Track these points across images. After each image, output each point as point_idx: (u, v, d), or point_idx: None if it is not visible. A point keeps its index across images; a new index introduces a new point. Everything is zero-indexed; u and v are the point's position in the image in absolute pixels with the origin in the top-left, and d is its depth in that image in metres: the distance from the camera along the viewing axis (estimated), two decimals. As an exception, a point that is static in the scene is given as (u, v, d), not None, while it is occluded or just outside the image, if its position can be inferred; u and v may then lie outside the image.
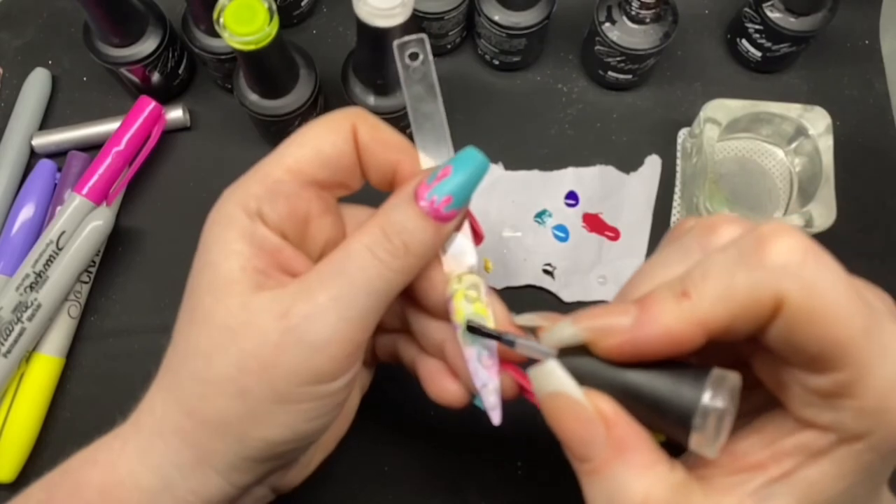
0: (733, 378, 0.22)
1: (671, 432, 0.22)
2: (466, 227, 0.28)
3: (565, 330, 0.23)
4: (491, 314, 0.27)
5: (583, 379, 0.23)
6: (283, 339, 0.24)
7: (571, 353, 0.23)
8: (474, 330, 0.26)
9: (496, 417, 0.27)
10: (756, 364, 0.23)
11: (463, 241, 0.27)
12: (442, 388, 0.29)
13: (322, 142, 0.26)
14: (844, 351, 0.19)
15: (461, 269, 0.27)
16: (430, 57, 0.26)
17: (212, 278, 0.25)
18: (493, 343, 0.26)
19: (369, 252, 0.24)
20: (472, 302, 0.26)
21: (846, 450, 0.20)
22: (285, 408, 0.24)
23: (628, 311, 0.22)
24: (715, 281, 0.20)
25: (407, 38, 0.26)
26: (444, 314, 0.27)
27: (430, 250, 0.26)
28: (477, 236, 0.28)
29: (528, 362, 0.28)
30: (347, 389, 0.26)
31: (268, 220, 0.25)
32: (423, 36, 0.26)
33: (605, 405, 0.22)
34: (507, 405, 0.27)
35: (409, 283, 0.26)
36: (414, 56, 0.26)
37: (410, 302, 0.28)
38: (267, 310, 0.24)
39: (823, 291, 0.19)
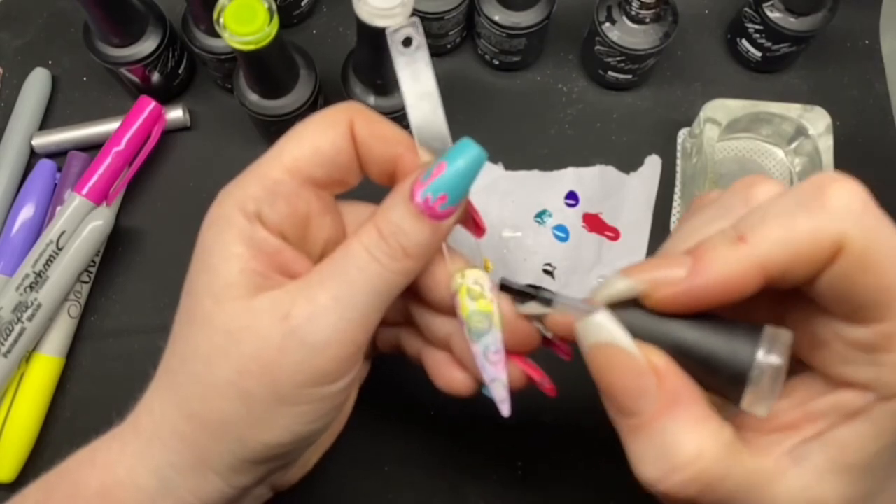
0: (786, 335, 0.21)
1: (722, 389, 0.21)
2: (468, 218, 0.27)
3: (618, 283, 0.22)
4: (496, 309, 0.26)
5: (632, 334, 0.22)
6: (286, 341, 0.23)
7: (619, 308, 0.22)
8: (507, 288, 0.25)
9: (505, 409, 0.27)
10: (788, 324, 0.23)
11: (465, 234, 0.27)
12: (450, 378, 0.29)
13: (320, 139, 0.25)
14: (893, 300, 0.19)
15: (464, 263, 0.27)
16: (424, 41, 0.25)
17: (210, 281, 0.24)
18: (499, 337, 0.26)
19: (368, 253, 0.24)
20: (475, 298, 0.26)
21: (884, 408, 0.20)
22: (285, 410, 0.24)
23: (682, 262, 0.21)
24: (775, 224, 0.20)
25: (400, 23, 0.25)
26: (448, 309, 0.27)
27: (429, 250, 0.25)
28: (478, 229, 0.28)
29: (532, 354, 0.28)
30: (347, 391, 0.26)
31: (267, 221, 0.25)
32: (416, 19, 0.25)
33: (658, 358, 0.22)
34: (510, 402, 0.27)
35: (411, 281, 0.26)
36: (407, 42, 0.25)
37: (414, 297, 0.28)
38: (268, 312, 0.24)
39: (882, 239, 0.19)
